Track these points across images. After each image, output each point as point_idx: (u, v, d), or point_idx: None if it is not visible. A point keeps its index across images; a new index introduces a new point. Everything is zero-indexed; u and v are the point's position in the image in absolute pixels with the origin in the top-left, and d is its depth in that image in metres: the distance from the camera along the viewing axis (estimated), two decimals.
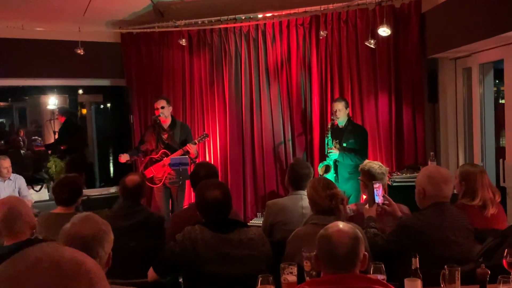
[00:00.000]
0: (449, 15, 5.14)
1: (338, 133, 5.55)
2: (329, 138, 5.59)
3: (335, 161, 5.53)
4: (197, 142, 5.80)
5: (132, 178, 3.78)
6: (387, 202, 3.25)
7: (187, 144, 5.69)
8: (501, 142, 5.43)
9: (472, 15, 4.65)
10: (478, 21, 4.55)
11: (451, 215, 2.95)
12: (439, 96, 5.88)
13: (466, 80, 5.63)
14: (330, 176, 5.43)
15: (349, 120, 5.57)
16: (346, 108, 5.51)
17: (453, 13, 5.03)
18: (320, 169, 5.59)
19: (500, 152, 5.17)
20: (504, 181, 4.74)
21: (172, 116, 5.95)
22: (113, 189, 6.71)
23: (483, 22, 4.46)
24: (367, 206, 3.30)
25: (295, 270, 2.50)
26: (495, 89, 5.38)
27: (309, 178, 3.74)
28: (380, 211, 3.24)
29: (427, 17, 5.61)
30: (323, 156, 5.84)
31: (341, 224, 2.16)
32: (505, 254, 2.44)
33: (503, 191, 4.47)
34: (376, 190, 3.21)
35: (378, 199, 3.22)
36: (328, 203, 2.94)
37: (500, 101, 5.54)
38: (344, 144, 5.45)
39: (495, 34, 4.28)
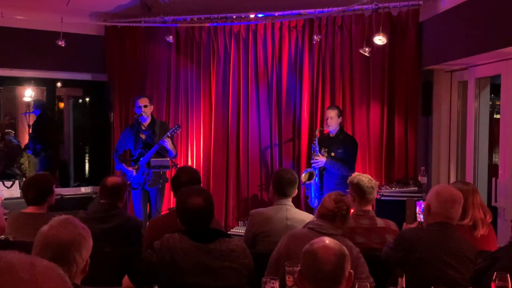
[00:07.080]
0: (447, 26, 5.03)
1: (328, 142, 5.45)
2: (316, 145, 5.44)
3: (322, 170, 5.40)
4: (169, 135, 5.49)
5: (113, 179, 3.66)
6: None
7: (161, 139, 5.44)
8: (494, 159, 5.31)
9: (471, 27, 4.54)
10: (477, 34, 4.45)
11: (451, 238, 2.85)
12: (433, 109, 5.76)
13: (461, 93, 5.53)
14: (315, 185, 5.38)
15: (341, 129, 5.44)
16: (339, 116, 5.38)
17: (452, 24, 4.92)
18: (304, 175, 5.48)
19: (492, 170, 5.10)
20: (496, 201, 4.63)
21: (151, 115, 5.72)
22: (88, 189, 6.42)
23: (482, 36, 4.36)
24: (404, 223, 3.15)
25: (277, 285, 2.45)
26: (490, 103, 5.28)
27: (294, 183, 3.68)
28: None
29: (425, 27, 5.49)
30: (310, 164, 5.66)
31: (327, 240, 2.11)
32: (494, 278, 2.36)
33: (494, 211, 4.38)
34: (418, 207, 3.07)
35: (419, 216, 3.07)
36: (332, 206, 2.93)
37: (495, 116, 5.42)
38: (333, 154, 5.35)
39: (493, 49, 4.19)
